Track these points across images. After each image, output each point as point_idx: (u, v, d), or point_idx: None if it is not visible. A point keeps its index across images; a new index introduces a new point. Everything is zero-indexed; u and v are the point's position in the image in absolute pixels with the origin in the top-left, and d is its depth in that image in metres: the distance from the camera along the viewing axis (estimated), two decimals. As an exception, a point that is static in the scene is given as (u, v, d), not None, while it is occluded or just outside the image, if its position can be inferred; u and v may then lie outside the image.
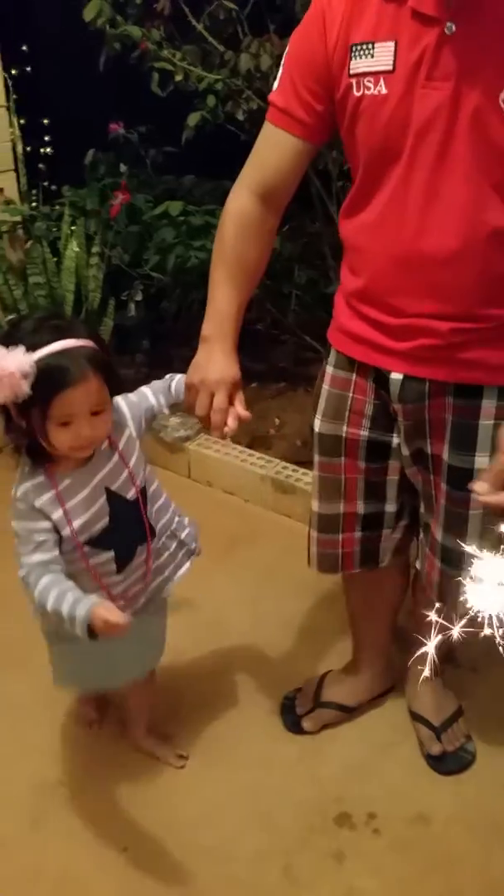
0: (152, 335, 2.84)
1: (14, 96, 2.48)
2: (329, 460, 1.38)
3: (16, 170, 2.56)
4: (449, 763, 1.56)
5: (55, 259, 2.46)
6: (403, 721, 1.65)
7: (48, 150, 2.62)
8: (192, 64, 2.21)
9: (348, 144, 1.19)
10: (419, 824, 1.46)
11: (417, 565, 1.45)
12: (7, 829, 1.48)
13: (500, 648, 0.69)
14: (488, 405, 1.22)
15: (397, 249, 1.15)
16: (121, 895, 1.36)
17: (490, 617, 0.69)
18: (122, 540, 1.28)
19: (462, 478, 1.24)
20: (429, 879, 1.37)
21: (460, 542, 1.23)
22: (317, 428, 1.38)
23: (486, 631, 0.69)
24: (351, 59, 1.10)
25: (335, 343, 1.34)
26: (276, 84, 1.21)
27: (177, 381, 1.33)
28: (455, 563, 1.31)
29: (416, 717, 1.62)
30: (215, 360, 1.23)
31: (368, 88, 1.09)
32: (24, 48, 2.51)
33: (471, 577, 0.71)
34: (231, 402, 1.21)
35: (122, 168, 2.58)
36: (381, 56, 1.07)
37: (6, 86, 2.47)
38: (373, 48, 1.08)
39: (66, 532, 1.22)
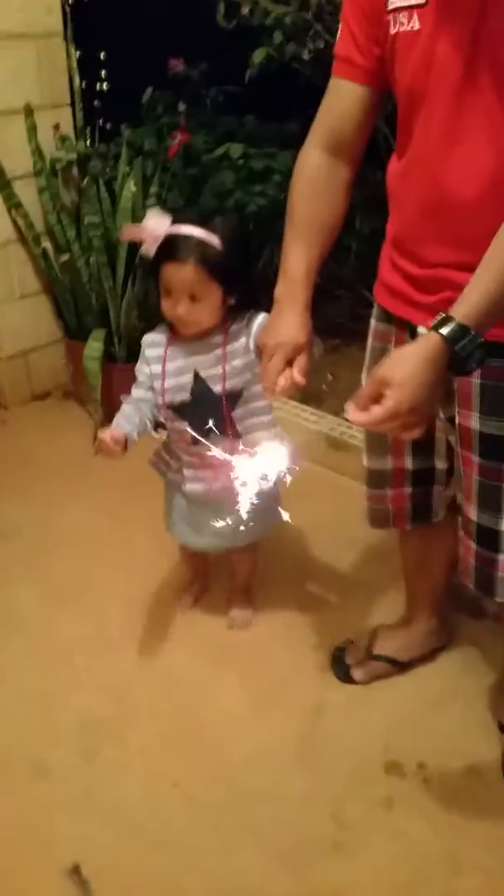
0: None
1: (71, 25, 2.39)
2: None
3: (72, 105, 2.49)
4: None
5: (110, 199, 2.42)
6: (457, 679, 1.64)
7: (104, 85, 2.54)
8: (261, -5, 2.13)
9: (392, 89, 1.17)
10: (470, 776, 1.46)
11: None
12: (60, 758, 1.51)
13: None
14: None
15: (422, 194, 1.14)
16: (170, 826, 1.39)
17: None
18: (196, 419, 1.45)
19: (495, 446, 1.20)
20: (479, 825, 1.38)
21: (497, 519, 1.21)
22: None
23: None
24: None
25: (377, 296, 1.34)
26: (338, 36, 1.19)
27: (257, 322, 1.44)
28: (492, 544, 1.27)
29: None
30: (281, 323, 1.23)
31: (402, 24, 1.08)
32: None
33: None
34: (290, 365, 1.21)
35: (181, 107, 2.51)
36: None
37: (64, 13, 2.38)
38: None
39: (157, 385, 1.49)
